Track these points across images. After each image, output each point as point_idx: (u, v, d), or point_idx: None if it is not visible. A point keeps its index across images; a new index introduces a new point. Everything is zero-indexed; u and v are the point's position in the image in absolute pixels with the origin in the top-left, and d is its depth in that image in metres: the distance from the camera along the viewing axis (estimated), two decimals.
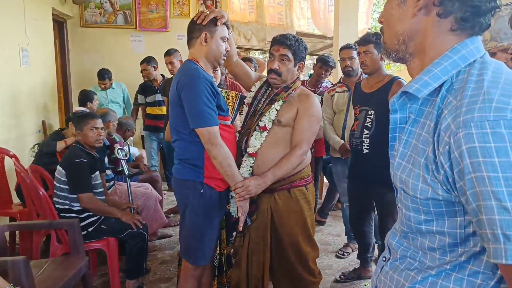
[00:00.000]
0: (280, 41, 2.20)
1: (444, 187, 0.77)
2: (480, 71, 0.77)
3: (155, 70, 5.04)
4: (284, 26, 7.86)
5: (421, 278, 0.85)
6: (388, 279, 0.93)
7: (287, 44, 2.18)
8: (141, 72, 5.15)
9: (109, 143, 3.59)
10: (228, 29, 2.14)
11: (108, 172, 3.39)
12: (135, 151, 4.96)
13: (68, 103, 6.03)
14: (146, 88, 5.16)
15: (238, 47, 9.62)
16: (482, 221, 0.70)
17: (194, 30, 2.08)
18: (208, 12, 2.07)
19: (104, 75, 5.33)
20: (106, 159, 3.35)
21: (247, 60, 4.01)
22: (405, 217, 0.88)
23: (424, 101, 0.84)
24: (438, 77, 0.81)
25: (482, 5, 0.78)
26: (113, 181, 3.49)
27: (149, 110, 5.15)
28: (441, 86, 0.81)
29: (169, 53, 4.53)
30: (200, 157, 2.04)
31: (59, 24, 5.92)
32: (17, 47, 4.25)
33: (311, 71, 5.04)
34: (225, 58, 2.16)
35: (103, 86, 5.37)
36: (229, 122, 2.15)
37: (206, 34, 2.04)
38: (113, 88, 5.49)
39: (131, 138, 5.55)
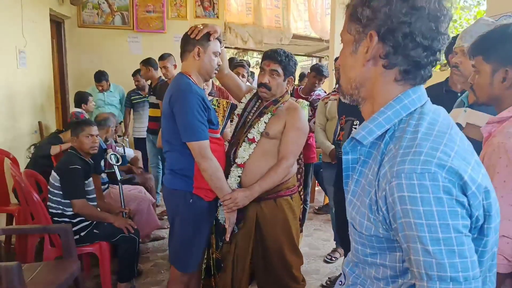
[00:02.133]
0: (271, 56, 2.28)
1: (384, 227, 0.85)
2: (417, 122, 0.86)
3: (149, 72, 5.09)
4: (281, 29, 7.93)
5: None
6: None
7: (278, 60, 2.25)
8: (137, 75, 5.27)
9: (106, 147, 3.66)
10: (220, 44, 2.21)
11: (104, 175, 3.46)
12: (130, 152, 5.02)
13: (65, 103, 6.09)
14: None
15: (235, 48, 9.69)
16: (411, 260, 0.79)
17: (187, 44, 2.15)
18: (201, 27, 2.14)
19: (100, 77, 5.40)
20: (102, 162, 3.42)
21: (239, 66, 4.08)
22: (354, 249, 0.98)
23: (372, 144, 0.92)
24: (382, 125, 0.89)
25: (421, 60, 0.86)
26: (107, 184, 3.56)
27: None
28: (385, 132, 0.90)
29: (163, 57, 4.59)
30: (190, 168, 2.11)
31: (57, 24, 5.96)
32: (15, 49, 4.30)
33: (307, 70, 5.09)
34: (216, 72, 2.23)
35: (100, 88, 5.42)
36: (218, 135, 2.23)
37: (199, 48, 2.11)
38: (110, 91, 5.54)
39: (127, 139, 5.64)
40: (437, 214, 0.75)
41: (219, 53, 2.20)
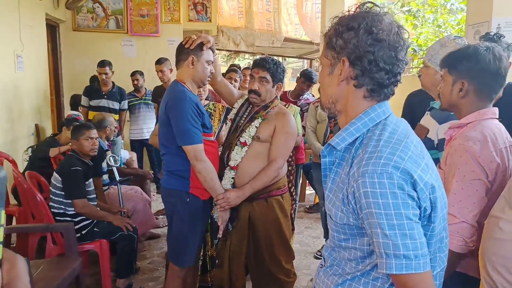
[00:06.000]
0: (260, 64, 2.43)
1: (353, 216, 1.04)
2: (381, 132, 1.05)
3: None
4: (273, 32, 8.09)
5: (341, 281, 1.12)
6: (321, 282, 1.20)
7: (266, 68, 2.41)
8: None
9: (107, 148, 3.78)
10: (213, 53, 2.36)
11: (105, 177, 3.58)
12: (125, 154, 5.15)
13: (60, 106, 6.20)
14: (92, 91, 5.14)
15: (227, 51, 9.83)
16: (373, 243, 0.98)
17: (182, 53, 2.29)
18: (195, 37, 2.28)
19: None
20: (104, 163, 3.54)
21: (232, 70, 4.22)
22: (331, 236, 1.16)
23: (345, 149, 1.11)
24: (352, 134, 1.08)
25: (384, 82, 1.05)
26: (107, 186, 3.69)
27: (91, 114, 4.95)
28: (356, 139, 1.08)
29: (159, 62, 4.73)
30: (186, 169, 2.26)
31: (52, 28, 6.07)
32: (12, 53, 4.42)
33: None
34: (209, 79, 2.38)
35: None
36: (212, 138, 2.38)
37: (193, 57, 2.25)
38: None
39: (122, 141, 5.75)
40: (393, 205, 0.94)
41: (212, 62, 2.35)
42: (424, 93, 2.22)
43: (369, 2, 1.07)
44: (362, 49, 1.02)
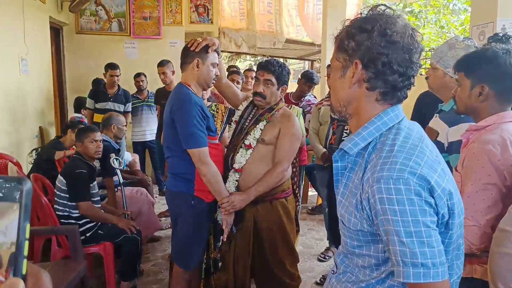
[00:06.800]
0: (265, 66, 2.44)
1: (368, 223, 1.02)
2: (395, 136, 1.03)
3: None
4: (274, 33, 8.10)
5: None
6: None
7: (271, 70, 2.41)
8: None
9: (118, 147, 3.77)
10: (218, 55, 2.37)
11: (115, 178, 3.58)
12: (128, 156, 5.16)
13: (63, 108, 6.21)
14: (98, 94, 5.22)
15: (228, 52, 9.85)
16: (390, 250, 0.96)
17: (187, 56, 2.30)
18: (200, 40, 2.29)
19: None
20: (117, 163, 3.50)
21: (234, 72, 4.24)
22: (344, 242, 1.15)
23: (358, 154, 1.09)
24: (365, 138, 1.07)
25: (398, 84, 1.04)
26: (116, 188, 3.68)
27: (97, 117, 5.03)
28: (368, 144, 1.07)
29: (161, 64, 4.74)
30: (191, 172, 2.27)
31: (55, 31, 6.09)
32: (17, 57, 4.44)
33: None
34: (214, 82, 2.39)
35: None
36: (217, 141, 2.39)
37: (198, 60, 2.26)
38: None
39: (124, 143, 5.76)
40: (410, 212, 0.92)
41: (217, 64, 2.35)
42: (433, 94, 2.21)
43: (382, 4, 1.06)
44: (375, 51, 1.01)
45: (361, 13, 1.07)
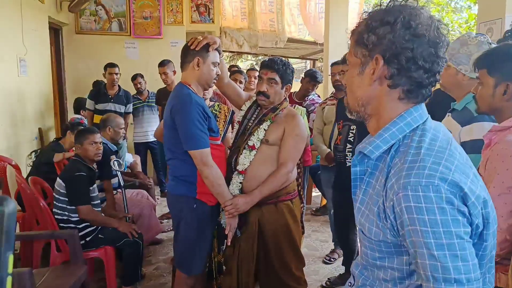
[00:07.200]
0: (268, 65, 2.36)
1: (392, 233, 0.94)
2: (420, 138, 0.94)
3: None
4: (276, 32, 8.03)
5: None
6: None
7: (275, 68, 2.34)
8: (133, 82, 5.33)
9: (116, 149, 3.70)
10: (219, 54, 2.30)
11: (114, 181, 3.52)
12: (129, 157, 5.09)
13: (63, 109, 6.16)
14: (98, 95, 5.14)
15: (230, 52, 9.78)
16: (418, 264, 0.88)
17: (187, 55, 2.23)
18: (201, 38, 2.22)
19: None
20: (117, 165, 3.44)
21: (237, 72, 4.17)
22: (363, 253, 1.06)
23: (379, 157, 1.01)
24: (387, 141, 0.98)
25: (423, 81, 0.96)
26: (115, 190, 3.62)
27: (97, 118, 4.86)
28: (391, 147, 0.98)
29: (162, 64, 4.68)
30: (193, 175, 2.19)
31: (55, 31, 6.03)
32: (15, 57, 4.38)
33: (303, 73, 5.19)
34: (215, 81, 2.31)
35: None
36: (219, 142, 2.31)
37: (198, 59, 2.19)
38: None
39: (125, 144, 5.70)
40: (441, 222, 0.84)
41: (218, 63, 2.28)
42: (444, 93, 2.13)
43: None
44: (399, 45, 0.93)
45: (380, 5, 0.98)
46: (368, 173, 1.04)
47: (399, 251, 0.96)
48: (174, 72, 4.73)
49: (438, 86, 2.11)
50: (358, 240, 3.20)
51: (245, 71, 4.60)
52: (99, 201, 3.07)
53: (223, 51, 8.98)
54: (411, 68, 0.94)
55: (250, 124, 2.43)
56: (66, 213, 2.86)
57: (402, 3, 0.96)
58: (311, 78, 4.14)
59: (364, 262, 1.07)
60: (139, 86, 5.46)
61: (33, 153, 4.42)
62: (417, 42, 0.93)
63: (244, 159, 2.31)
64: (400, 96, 0.98)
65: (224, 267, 2.60)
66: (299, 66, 14.77)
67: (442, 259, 0.84)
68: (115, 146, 3.69)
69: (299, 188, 2.88)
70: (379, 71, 0.97)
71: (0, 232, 0.35)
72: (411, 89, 0.97)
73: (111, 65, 5.12)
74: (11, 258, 0.35)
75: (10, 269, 0.35)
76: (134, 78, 5.48)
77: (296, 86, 4.57)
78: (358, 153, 1.04)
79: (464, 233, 0.85)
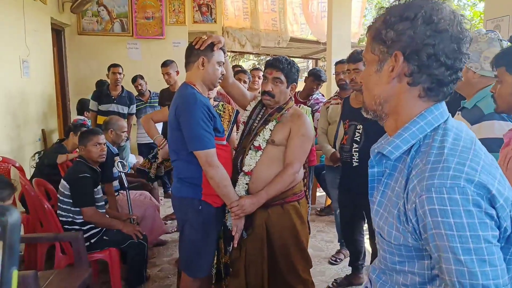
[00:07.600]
0: (273, 64, 2.33)
1: (413, 236, 0.90)
2: (442, 138, 0.91)
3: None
4: (278, 32, 8.00)
5: None
6: None
7: (280, 68, 2.31)
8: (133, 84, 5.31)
9: (118, 152, 3.68)
10: (224, 54, 2.27)
11: (116, 183, 3.49)
12: (132, 158, 5.07)
13: (66, 110, 6.14)
14: (101, 96, 5.12)
15: (232, 52, 9.75)
16: (442, 269, 0.84)
17: (192, 54, 2.20)
18: (206, 38, 2.19)
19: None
20: (115, 169, 3.42)
21: (241, 72, 4.14)
22: (382, 257, 1.02)
23: (398, 158, 0.97)
24: (407, 140, 0.95)
25: (445, 79, 0.92)
26: (117, 192, 3.60)
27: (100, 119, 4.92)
28: (411, 147, 0.95)
29: (165, 64, 4.65)
30: (198, 176, 2.16)
31: (57, 32, 6.02)
32: (18, 59, 4.36)
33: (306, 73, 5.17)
34: (220, 81, 2.28)
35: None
36: (225, 142, 2.28)
37: (203, 58, 2.16)
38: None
39: (129, 145, 5.69)
40: (468, 226, 0.80)
41: (223, 63, 2.25)
42: (454, 91, 2.08)
43: None
44: (420, 41, 0.89)
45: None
46: (386, 174, 1.00)
47: (420, 255, 0.92)
48: (177, 72, 4.70)
49: None
50: (364, 241, 3.18)
51: (248, 71, 4.58)
52: (103, 203, 3.05)
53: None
54: (432, 65, 0.90)
55: (255, 124, 2.40)
56: (71, 215, 2.84)
57: None
58: (315, 77, 4.11)
59: (383, 266, 1.03)
60: (140, 87, 5.44)
61: (37, 154, 4.40)
62: (439, 38, 0.89)
63: (250, 160, 2.28)
64: (420, 94, 0.95)
65: (230, 269, 2.57)
66: (302, 65, 14.73)
67: (469, 264, 0.80)
68: (116, 149, 3.66)
69: (305, 189, 2.85)
70: (398, 68, 0.93)
71: (3, 245, 0.32)
72: (432, 87, 0.93)
73: (114, 65, 5.13)
74: (15, 274, 0.31)
75: (14, 286, 0.31)
76: (134, 80, 5.46)
77: (299, 85, 4.55)
78: (376, 154, 1.01)
79: (492, 237, 0.82)
